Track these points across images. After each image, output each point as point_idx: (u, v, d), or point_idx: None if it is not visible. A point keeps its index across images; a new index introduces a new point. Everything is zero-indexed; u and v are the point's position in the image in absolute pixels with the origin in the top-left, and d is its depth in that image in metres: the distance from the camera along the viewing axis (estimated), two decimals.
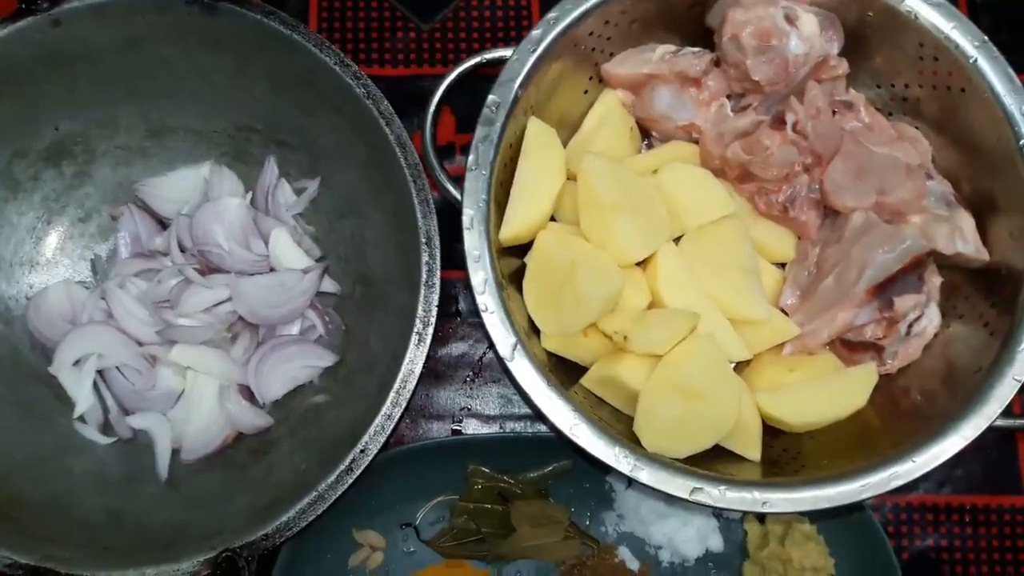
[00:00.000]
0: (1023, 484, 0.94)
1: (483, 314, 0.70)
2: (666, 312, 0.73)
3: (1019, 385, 0.68)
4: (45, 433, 0.86)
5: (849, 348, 0.79)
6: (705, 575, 0.89)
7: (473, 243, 0.71)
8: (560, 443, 0.88)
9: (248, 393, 0.87)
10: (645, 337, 0.71)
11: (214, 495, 0.84)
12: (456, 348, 0.96)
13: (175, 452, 0.87)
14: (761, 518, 0.89)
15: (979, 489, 0.94)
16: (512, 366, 0.69)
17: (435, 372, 0.95)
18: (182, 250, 0.89)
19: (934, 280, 0.77)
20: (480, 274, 0.71)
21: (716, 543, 0.90)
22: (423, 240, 0.79)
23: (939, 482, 0.94)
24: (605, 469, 0.68)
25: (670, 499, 0.67)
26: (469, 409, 0.94)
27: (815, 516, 0.85)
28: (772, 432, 0.77)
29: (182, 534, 0.79)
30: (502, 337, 0.70)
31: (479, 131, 0.73)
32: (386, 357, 0.82)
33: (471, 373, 0.95)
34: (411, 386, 0.78)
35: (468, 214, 0.72)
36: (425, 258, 0.79)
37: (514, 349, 0.70)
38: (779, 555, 0.86)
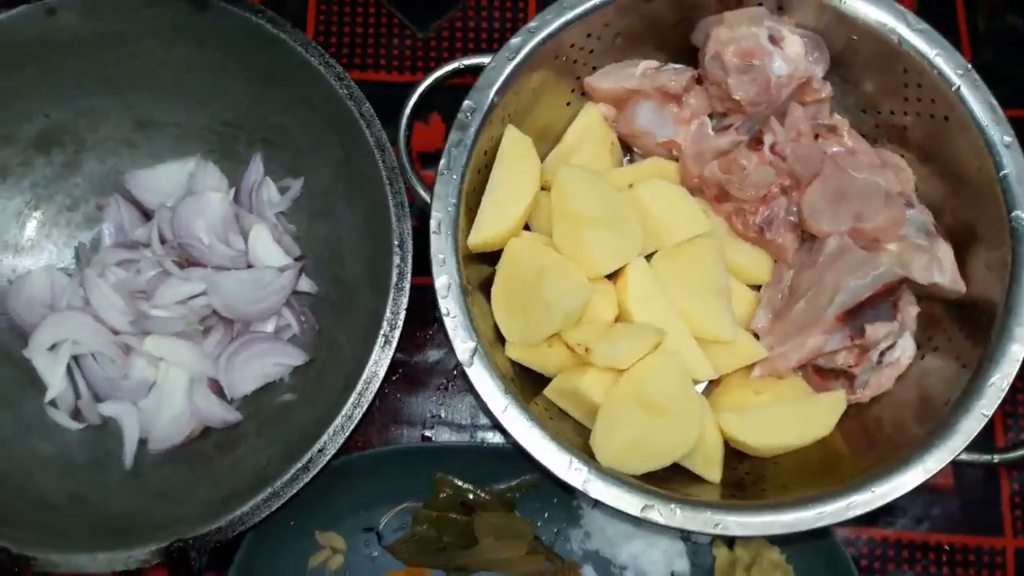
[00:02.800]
0: (1005, 525, 0.92)
1: (445, 319, 0.70)
2: (631, 326, 0.73)
3: (986, 420, 0.66)
4: (10, 414, 0.86)
5: (820, 375, 0.77)
6: None
7: (439, 247, 0.71)
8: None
9: (218, 388, 0.87)
10: (608, 350, 0.70)
11: (176, 486, 0.84)
12: (432, 355, 0.95)
13: (142, 442, 0.87)
14: (730, 544, 0.88)
15: (958, 528, 0.92)
16: (470, 372, 0.69)
17: (409, 378, 0.95)
18: (163, 242, 0.90)
19: (910, 310, 0.76)
20: (444, 278, 0.71)
21: (682, 567, 0.88)
22: (395, 243, 0.79)
23: (917, 519, 0.92)
24: (559, 483, 0.67)
25: (622, 515, 0.65)
26: (440, 417, 0.94)
27: (780, 542, 0.83)
28: (736, 455, 0.76)
29: (137, 523, 0.79)
30: (462, 342, 0.69)
31: (452, 136, 0.73)
32: (354, 359, 0.82)
33: (444, 381, 0.95)
34: (374, 388, 0.78)
35: (436, 217, 0.72)
36: (396, 261, 0.79)
37: (473, 355, 0.69)
38: None
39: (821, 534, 0.84)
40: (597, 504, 0.88)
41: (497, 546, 0.87)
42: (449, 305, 0.70)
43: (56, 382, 0.87)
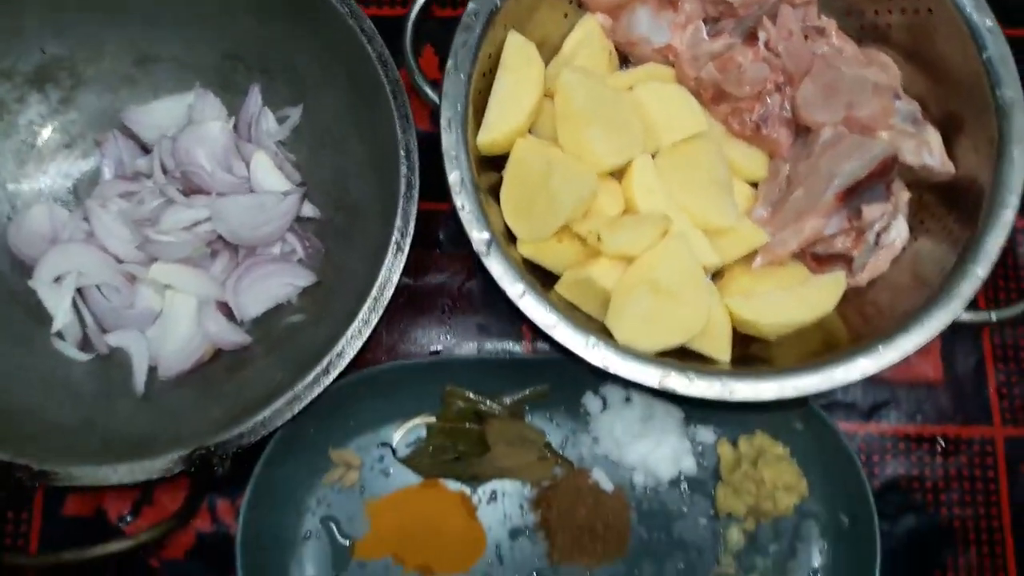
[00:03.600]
0: (993, 415, 0.95)
1: (460, 213, 0.71)
2: (639, 216, 0.75)
3: (981, 281, 0.69)
4: (18, 347, 0.86)
5: (819, 261, 0.80)
6: (679, 497, 0.90)
7: (450, 143, 0.73)
8: (536, 365, 0.90)
9: (227, 311, 0.88)
10: (618, 237, 0.72)
11: (188, 407, 0.84)
12: (435, 279, 0.97)
13: (152, 369, 0.87)
14: (734, 442, 0.91)
15: (950, 420, 0.95)
16: (487, 262, 0.71)
17: (413, 303, 0.96)
18: (164, 173, 0.90)
19: (902, 195, 0.79)
20: (456, 174, 0.72)
21: (689, 466, 0.90)
22: (402, 154, 0.81)
23: (911, 414, 0.95)
24: (579, 362, 0.69)
25: (639, 388, 0.67)
26: (447, 339, 0.95)
27: (783, 435, 0.86)
28: (743, 340, 0.78)
29: (153, 440, 0.79)
30: (477, 233, 0.71)
31: (458, 38, 0.75)
32: (364, 275, 0.82)
33: (449, 303, 0.96)
34: (388, 294, 0.79)
35: (446, 116, 0.74)
36: (404, 171, 0.80)
37: (489, 245, 0.71)
38: (752, 476, 0.87)
39: (824, 427, 0.87)
40: (606, 408, 0.90)
41: (509, 453, 0.88)
42: (463, 200, 0.71)
43: (62, 313, 0.87)
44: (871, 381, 0.95)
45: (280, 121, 0.93)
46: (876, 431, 0.94)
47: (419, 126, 0.82)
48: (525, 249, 0.77)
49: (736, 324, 0.77)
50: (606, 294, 0.74)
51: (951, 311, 0.69)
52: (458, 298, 0.96)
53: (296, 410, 0.77)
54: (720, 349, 0.75)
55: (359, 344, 0.78)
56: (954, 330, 0.70)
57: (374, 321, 0.79)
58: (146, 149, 0.93)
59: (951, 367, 0.96)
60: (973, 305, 0.71)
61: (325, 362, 0.77)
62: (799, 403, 0.85)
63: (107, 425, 0.82)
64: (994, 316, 0.72)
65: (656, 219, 0.73)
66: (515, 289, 0.70)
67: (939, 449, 0.94)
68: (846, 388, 0.94)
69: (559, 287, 0.77)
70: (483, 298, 0.96)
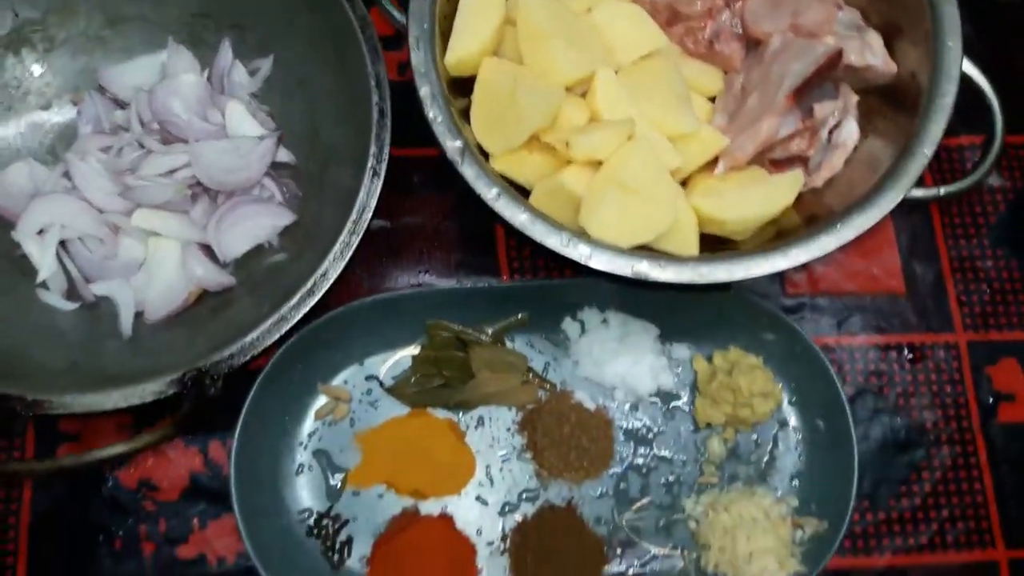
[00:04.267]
0: (955, 323, 1.00)
1: (433, 124, 0.74)
2: (606, 122, 0.78)
3: (928, 159, 0.74)
4: (4, 298, 0.87)
5: (777, 165, 0.84)
6: (659, 412, 0.93)
7: (419, 60, 0.76)
8: (516, 293, 0.92)
9: (209, 254, 0.90)
10: (586, 140, 0.75)
11: (175, 347, 0.86)
12: (411, 220, 0.99)
13: (138, 314, 0.89)
14: (708, 357, 0.94)
15: (915, 329, 0.99)
16: (462, 169, 0.74)
17: (391, 246, 0.99)
18: (142, 125, 0.93)
19: (851, 97, 0.83)
20: (426, 88, 0.75)
21: (667, 381, 0.93)
22: (373, 84, 0.84)
23: (878, 327, 0.99)
24: (558, 259, 0.71)
25: (617, 280, 0.70)
26: (426, 278, 0.98)
27: (756, 348, 0.89)
28: (709, 244, 0.82)
29: (144, 373, 0.81)
30: (451, 142, 0.74)
31: None
32: (343, 209, 0.85)
33: (424, 245, 0.99)
34: (366, 218, 0.82)
35: (414, 35, 0.77)
36: (375, 99, 0.84)
37: (462, 154, 0.74)
38: (728, 384, 0.90)
39: (794, 336, 0.91)
40: (584, 332, 0.93)
41: (493, 378, 0.91)
42: (435, 111, 0.75)
43: (47, 264, 0.88)
44: (839, 295, 0.99)
45: (251, 74, 0.96)
46: (846, 343, 0.98)
47: (390, 77, 0.84)
48: (498, 164, 0.80)
49: (702, 223, 0.80)
50: (577, 201, 0.77)
51: (902, 187, 0.73)
52: (435, 239, 0.99)
53: (283, 330, 0.79)
54: (688, 246, 0.78)
55: (341, 265, 0.81)
56: (906, 208, 0.73)
57: (355, 243, 0.81)
58: (123, 108, 0.95)
59: (912, 281, 1.01)
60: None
61: (310, 283, 0.80)
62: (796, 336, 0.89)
63: (95, 366, 0.84)
64: (942, 191, 0.76)
65: (622, 123, 0.77)
66: (490, 192, 0.73)
67: (906, 356, 0.98)
68: (815, 298, 0.98)
69: (532, 199, 0.80)
70: (460, 238, 0.99)
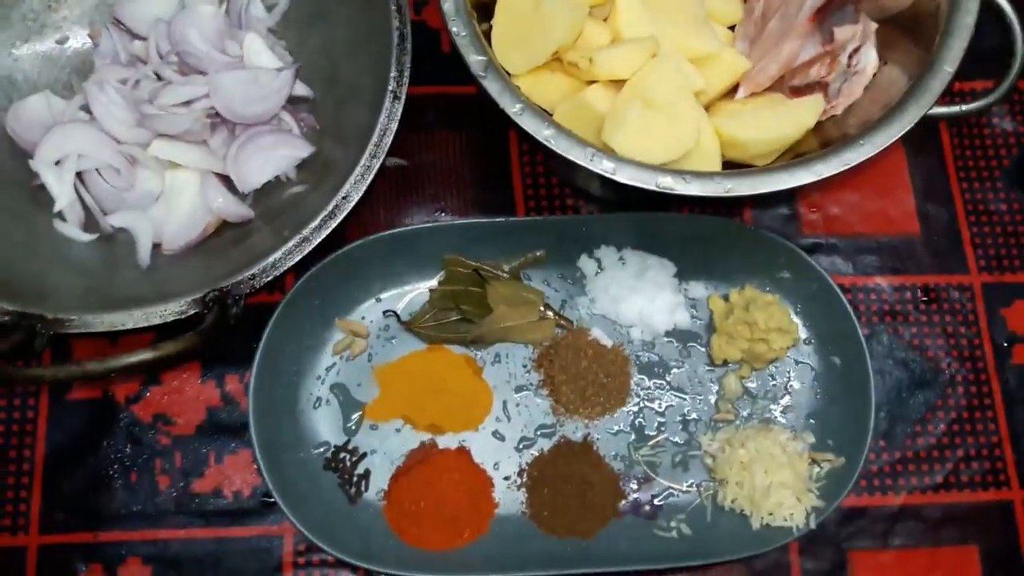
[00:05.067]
0: (969, 264, 1.00)
1: (456, 39, 0.74)
2: (629, 40, 0.78)
3: (950, 76, 0.74)
4: (20, 229, 0.87)
5: (796, 92, 0.84)
6: (675, 349, 0.93)
7: None
8: (533, 229, 0.92)
9: (228, 185, 0.90)
10: (609, 58, 0.75)
11: (195, 274, 0.85)
12: (425, 159, 0.99)
13: (155, 246, 0.88)
14: (724, 297, 0.94)
15: (930, 270, 0.99)
16: (486, 84, 0.73)
17: (407, 183, 0.98)
18: (160, 57, 0.92)
19: (870, 24, 0.84)
20: (449, 3, 0.75)
21: (683, 319, 0.93)
22: (393, 9, 0.84)
23: (894, 268, 0.99)
24: (575, 170, 0.71)
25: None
26: (441, 216, 0.98)
27: (774, 288, 0.89)
28: (730, 168, 0.82)
29: (164, 297, 0.80)
30: (475, 56, 0.74)
31: None
32: (360, 139, 0.85)
33: (439, 183, 0.98)
34: (387, 142, 0.82)
35: None
36: (396, 24, 0.84)
37: (487, 68, 0.74)
38: (745, 319, 0.90)
39: (811, 272, 0.91)
40: (601, 270, 0.93)
41: (510, 313, 0.90)
42: (457, 26, 0.74)
43: (64, 192, 0.88)
44: (853, 236, 0.99)
45: (269, 9, 0.96)
46: (860, 283, 0.98)
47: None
48: (520, 83, 0.80)
49: (724, 147, 0.80)
50: (600, 120, 0.77)
51: (924, 103, 0.73)
52: (450, 177, 0.99)
53: (305, 251, 0.79)
54: (711, 167, 0.79)
55: (363, 188, 0.80)
56: (920, 147, 0.73)
57: (375, 167, 0.81)
58: (140, 40, 0.95)
59: (927, 223, 1.01)
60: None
61: (331, 206, 0.80)
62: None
63: (114, 292, 0.83)
64: (963, 108, 0.76)
65: (646, 41, 0.77)
66: (514, 107, 0.72)
67: (920, 297, 0.98)
68: (830, 239, 0.99)
69: (556, 117, 0.80)
70: (475, 176, 0.99)
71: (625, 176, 0.71)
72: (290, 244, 0.78)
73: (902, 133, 0.72)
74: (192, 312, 0.76)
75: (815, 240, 0.99)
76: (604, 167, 0.71)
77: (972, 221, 1.01)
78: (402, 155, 0.98)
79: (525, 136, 0.73)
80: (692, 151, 0.77)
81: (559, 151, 0.71)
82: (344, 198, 0.80)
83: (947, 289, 0.99)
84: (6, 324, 0.75)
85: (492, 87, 0.73)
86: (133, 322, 0.76)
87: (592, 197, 0.97)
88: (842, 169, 0.72)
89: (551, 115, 0.81)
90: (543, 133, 0.72)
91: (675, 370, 0.93)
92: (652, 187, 0.71)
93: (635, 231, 0.92)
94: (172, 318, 0.76)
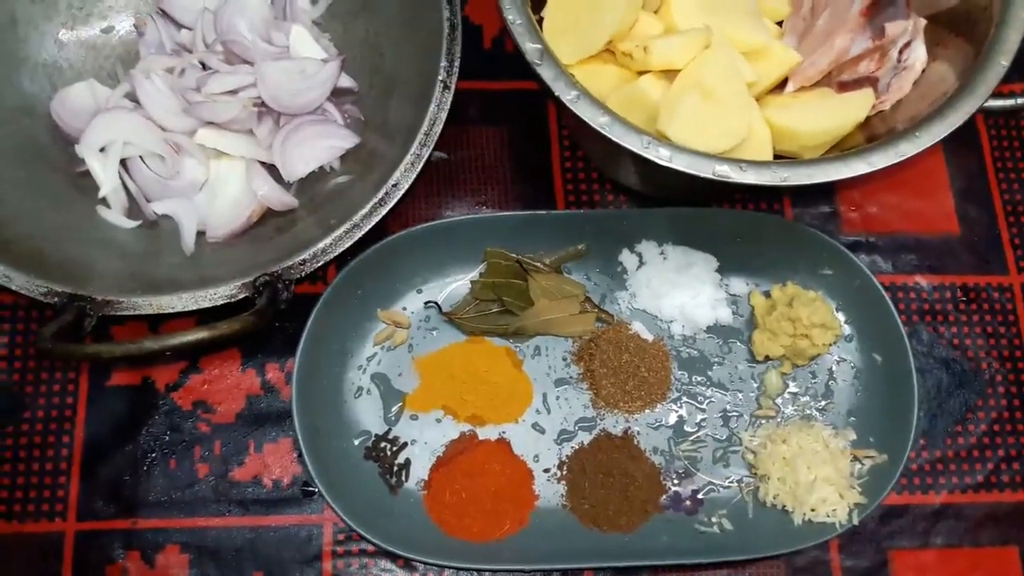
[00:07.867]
0: (1009, 264, 1.00)
1: (512, 27, 0.74)
2: (684, 31, 0.79)
3: (1005, 70, 0.74)
4: (64, 213, 0.87)
5: (845, 87, 0.84)
6: (716, 345, 0.93)
7: None
8: (575, 223, 0.92)
9: (273, 173, 0.90)
10: (665, 46, 0.76)
11: (240, 261, 0.85)
12: (467, 153, 0.99)
13: (199, 234, 0.88)
14: (766, 293, 0.93)
15: (970, 271, 0.99)
16: (541, 71, 0.73)
17: (449, 177, 0.98)
18: (205, 46, 0.93)
19: (919, 21, 0.84)
20: None
21: (725, 315, 0.93)
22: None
23: (931, 267, 0.99)
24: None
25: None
26: (483, 210, 0.97)
27: (816, 286, 0.89)
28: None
29: (210, 282, 0.80)
30: (530, 44, 0.74)
31: None
32: (405, 126, 0.85)
33: (481, 177, 0.99)
34: (437, 131, 0.82)
35: None
36: (447, 15, 0.84)
37: (542, 55, 0.74)
38: (788, 315, 0.90)
39: (853, 269, 0.90)
40: (642, 264, 0.93)
41: (551, 306, 0.90)
42: (512, 14, 0.75)
43: (109, 178, 0.88)
44: (893, 234, 0.99)
45: (313, 2, 0.96)
46: (900, 282, 0.98)
47: None
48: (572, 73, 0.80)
49: (774, 139, 0.80)
50: (653, 109, 0.77)
51: (980, 95, 0.73)
52: (492, 171, 0.99)
53: (355, 238, 0.79)
54: (763, 155, 0.78)
55: (412, 176, 0.80)
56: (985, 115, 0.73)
57: (425, 155, 0.81)
58: (186, 30, 0.95)
59: (966, 224, 1.01)
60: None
61: (381, 193, 0.80)
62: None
63: (157, 278, 0.83)
64: (1019, 100, 0.76)
65: (700, 31, 0.77)
66: (570, 93, 0.72)
67: (960, 297, 0.98)
68: (870, 237, 0.99)
69: (609, 105, 0.80)
70: (516, 171, 0.99)
71: (682, 164, 0.71)
72: (340, 231, 0.78)
73: (959, 124, 0.72)
74: (241, 296, 0.76)
75: (855, 238, 0.99)
76: (660, 155, 0.71)
77: (1012, 222, 1.01)
78: (444, 149, 0.98)
79: (578, 125, 0.73)
80: (744, 141, 0.76)
81: (615, 138, 0.71)
82: (394, 186, 0.80)
83: (987, 289, 0.99)
84: (55, 305, 0.75)
85: (547, 74, 0.73)
86: (182, 305, 0.76)
87: (632, 192, 0.98)
88: (898, 160, 0.72)
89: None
90: (599, 120, 0.72)
91: (716, 366, 0.92)
92: (709, 175, 0.70)
93: (676, 226, 0.92)
94: (222, 301, 0.76)
